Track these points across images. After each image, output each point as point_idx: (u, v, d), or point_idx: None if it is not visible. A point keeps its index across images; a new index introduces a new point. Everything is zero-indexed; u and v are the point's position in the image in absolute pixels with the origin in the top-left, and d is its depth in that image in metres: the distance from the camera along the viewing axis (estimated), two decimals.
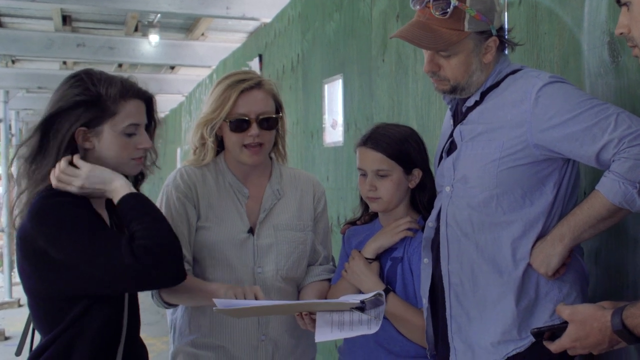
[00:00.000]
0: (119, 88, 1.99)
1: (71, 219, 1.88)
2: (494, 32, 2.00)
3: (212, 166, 2.41)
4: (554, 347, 1.74)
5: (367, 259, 2.31)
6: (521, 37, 2.45)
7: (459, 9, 1.94)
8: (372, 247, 2.32)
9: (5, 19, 8.53)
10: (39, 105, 13.48)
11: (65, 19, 8.48)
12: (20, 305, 10.58)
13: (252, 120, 2.30)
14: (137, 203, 1.92)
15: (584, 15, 2.23)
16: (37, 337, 2.01)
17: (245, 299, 2.07)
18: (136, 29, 8.86)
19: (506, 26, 2.14)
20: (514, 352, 1.95)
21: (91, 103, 1.95)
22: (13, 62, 11.14)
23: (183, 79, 12.01)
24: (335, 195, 4.47)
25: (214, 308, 1.96)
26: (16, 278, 10.00)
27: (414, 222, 2.31)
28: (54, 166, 1.94)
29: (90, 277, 1.84)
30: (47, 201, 1.89)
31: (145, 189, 2.22)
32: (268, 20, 6.59)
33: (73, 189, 1.93)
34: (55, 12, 7.92)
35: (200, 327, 2.35)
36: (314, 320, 2.08)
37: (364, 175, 2.33)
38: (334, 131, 4.64)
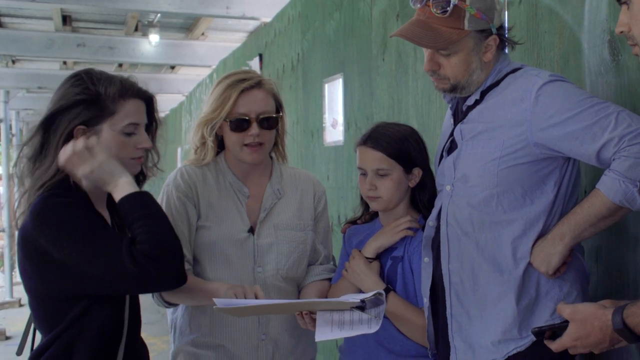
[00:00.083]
0: (118, 87, 1.99)
1: (72, 220, 1.88)
2: (494, 30, 2.00)
3: (213, 166, 2.41)
4: (555, 346, 1.74)
5: (367, 258, 2.31)
6: (521, 35, 2.45)
7: (459, 8, 1.94)
8: (372, 247, 2.32)
9: (5, 19, 8.54)
10: (39, 105, 13.49)
11: (66, 19, 8.48)
12: (21, 305, 10.58)
13: (252, 120, 2.30)
14: (138, 203, 1.91)
15: (584, 14, 2.23)
16: (38, 337, 2.01)
17: (245, 298, 2.07)
18: (136, 29, 8.86)
19: (506, 25, 2.14)
20: (515, 351, 1.95)
21: (90, 102, 1.95)
22: (13, 62, 11.14)
23: (183, 78, 12.01)
24: (335, 195, 4.47)
25: (214, 307, 1.96)
26: (17, 278, 10.04)
27: (414, 221, 2.31)
28: (53, 165, 1.94)
29: (91, 278, 1.84)
30: (48, 201, 1.89)
31: (146, 188, 2.22)
32: (268, 19, 6.59)
33: (79, 173, 1.92)
34: (55, 12, 7.93)
35: (200, 327, 2.35)
36: (314, 320, 2.08)
37: (364, 174, 2.33)
38: (334, 130, 4.64)
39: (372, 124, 2.43)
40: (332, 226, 2.60)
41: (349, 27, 4.34)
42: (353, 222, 2.53)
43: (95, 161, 1.92)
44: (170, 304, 2.33)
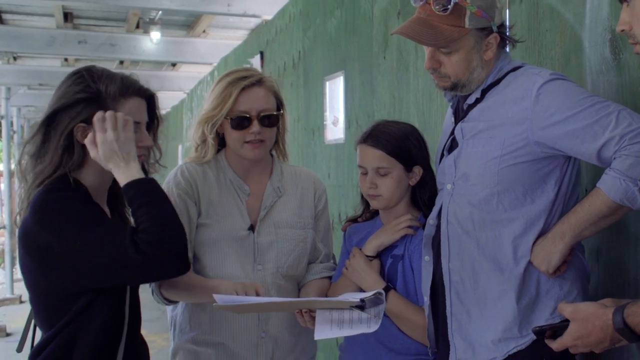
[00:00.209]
0: (118, 86, 1.99)
1: (75, 212, 1.88)
2: (494, 28, 2.00)
3: (213, 163, 2.41)
4: (556, 345, 1.74)
5: (367, 256, 2.31)
6: (522, 34, 2.45)
7: (460, 6, 1.94)
8: (372, 245, 2.32)
9: (6, 16, 8.54)
10: (41, 102, 13.48)
11: (67, 16, 8.48)
12: (21, 302, 10.59)
13: (253, 118, 2.30)
14: (141, 190, 1.90)
15: (586, 13, 2.23)
16: (39, 334, 2.01)
17: (246, 295, 2.07)
18: (137, 26, 8.85)
19: (507, 23, 2.14)
20: (515, 350, 1.95)
21: (91, 100, 1.95)
22: (15, 59, 11.13)
23: (184, 76, 12.01)
24: (336, 193, 4.47)
25: (213, 304, 1.96)
26: (17, 274, 10.06)
27: (415, 219, 2.31)
28: (53, 162, 1.94)
29: (94, 269, 1.84)
30: (48, 195, 1.89)
31: None
32: (269, 17, 6.58)
33: (101, 137, 1.90)
34: (56, 9, 7.93)
35: (200, 324, 2.35)
36: (313, 318, 2.08)
37: (365, 172, 2.33)
38: (335, 128, 4.64)
39: (373, 122, 2.43)
40: (332, 224, 2.60)
41: (350, 25, 4.34)
42: (354, 220, 2.53)
43: (123, 134, 1.92)
44: (170, 302, 2.33)
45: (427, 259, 2.15)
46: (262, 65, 6.59)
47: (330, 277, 2.47)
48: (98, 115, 1.91)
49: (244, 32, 8.60)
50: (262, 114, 2.31)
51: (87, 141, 1.93)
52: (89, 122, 1.94)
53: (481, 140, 1.99)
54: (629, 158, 1.74)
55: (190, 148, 2.48)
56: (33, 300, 1.97)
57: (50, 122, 1.95)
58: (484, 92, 2.03)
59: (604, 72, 2.15)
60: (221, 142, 2.43)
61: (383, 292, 2.01)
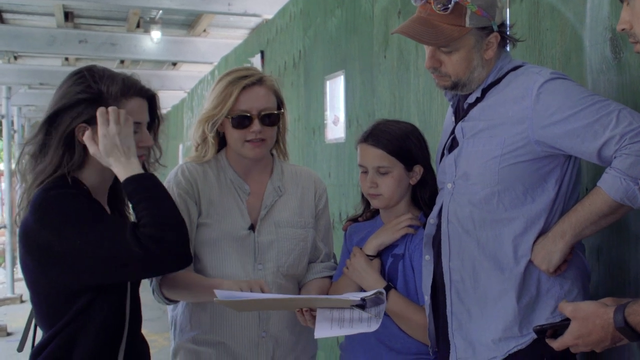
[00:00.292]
0: (120, 86, 1.99)
1: (75, 210, 1.88)
2: (495, 28, 1.99)
3: (214, 163, 2.41)
4: (557, 344, 1.74)
5: (368, 255, 2.31)
6: (523, 33, 2.45)
7: (460, 5, 1.93)
8: (373, 244, 2.32)
9: (7, 15, 8.54)
10: (41, 102, 13.49)
11: (67, 15, 8.47)
12: (22, 301, 10.59)
13: (253, 117, 2.30)
14: (141, 185, 1.91)
15: (586, 12, 2.23)
16: (39, 333, 2.01)
17: (251, 292, 2.07)
18: (138, 25, 8.85)
19: (508, 22, 2.14)
20: (515, 349, 1.95)
21: (92, 101, 1.95)
22: (15, 58, 11.13)
23: (185, 75, 12.01)
24: (337, 192, 4.47)
25: (214, 299, 1.96)
26: (18, 274, 10.06)
27: (415, 219, 2.31)
28: (53, 161, 1.94)
29: (96, 266, 1.84)
30: (48, 194, 1.89)
31: None
32: (270, 16, 6.58)
33: (103, 130, 1.91)
34: (57, 8, 7.92)
35: (200, 324, 2.35)
36: (314, 317, 2.08)
37: (365, 172, 2.33)
38: (336, 127, 4.64)
39: (374, 121, 2.43)
40: (333, 223, 2.60)
41: (351, 24, 4.34)
42: (354, 219, 2.53)
43: (125, 129, 1.92)
44: (170, 301, 2.33)
45: (428, 258, 2.15)
46: (262, 65, 6.59)
47: (331, 277, 2.47)
48: (101, 109, 1.91)
49: (245, 31, 8.59)
50: (262, 113, 2.31)
51: (86, 138, 1.93)
52: (90, 122, 1.95)
53: (481, 139, 1.99)
54: (630, 157, 1.74)
55: (191, 147, 2.48)
56: (33, 299, 1.98)
57: (51, 122, 1.95)
58: (485, 92, 2.03)
59: (604, 71, 2.15)
60: (221, 142, 2.43)
61: (384, 291, 2.01)
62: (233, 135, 2.33)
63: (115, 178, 1.99)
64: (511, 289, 1.95)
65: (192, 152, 2.45)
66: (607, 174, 1.79)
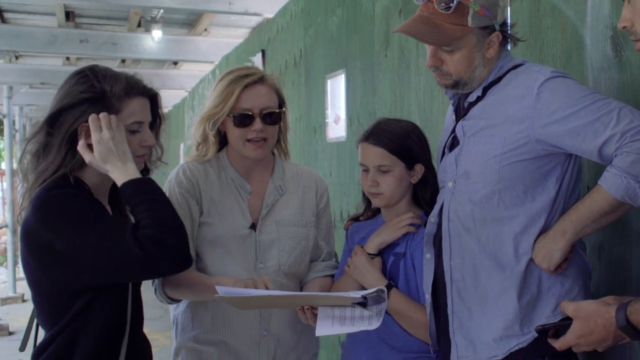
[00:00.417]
0: (123, 85, 1.99)
1: (76, 210, 1.88)
2: (497, 27, 1.99)
3: (215, 162, 2.42)
4: (559, 344, 1.74)
5: (369, 254, 2.31)
6: (524, 31, 2.45)
7: (463, 4, 1.93)
8: (374, 243, 2.32)
9: (8, 15, 8.54)
10: (43, 101, 13.50)
11: (69, 15, 8.48)
12: (24, 301, 10.60)
13: (255, 115, 2.30)
14: (140, 189, 1.91)
15: (587, 10, 2.23)
16: (41, 333, 2.01)
17: (256, 289, 2.07)
18: (139, 25, 8.86)
19: (509, 21, 2.13)
20: (516, 348, 1.95)
21: (96, 100, 1.95)
22: (16, 57, 11.14)
23: (186, 74, 12.01)
24: (338, 191, 4.47)
25: (215, 296, 1.96)
26: (20, 273, 10.05)
27: (416, 217, 2.31)
28: (55, 161, 1.94)
29: (96, 266, 1.84)
30: (49, 193, 1.89)
31: None
32: (271, 15, 6.58)
33: (97, 136, 1.91)
34: (58, 7, 7.93)
35: (202, 323, 2.35)
36: (315, 315, 2.08)
37: (366, 170, 2.33)
38: (337, 126, 4.64)
39: (374, 120, 2.43)
40: (334, 222, 2.60)
41: (352, 23, 4.34)
42: (355, 218, 2.53)
43: (118, 134, 1.93)
44: (173, 300, 2.33)
45: (429, 256, 2.16)
46: (263, 64, 6.59)
47: (332, 276, 2.47)
48: (93, 116, 1.92)
49: (246, 30, 8.59)
50: (264, 112, 2.31)
51: (80, 147, 1.93)
52: None
53: (482, 138, 1.99)
54: (630, 155, 1.74)
55: (192, 146, 2.48)
56: (35, 298, 1.98)
57: (53, 121, 1.95)
58: (485, 90, 2.03)
59: (605, 69, 2.15)
60: (222, 141, 2.43)
61: (385, 289, 2.01)
62: (234, 134, 2.33)
63: None
64: (512, 287, 1.95)
65: (193, 151, 2.45)
66: (608, 172, 1.79)
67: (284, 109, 2.40)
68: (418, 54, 3.39)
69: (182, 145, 12.53)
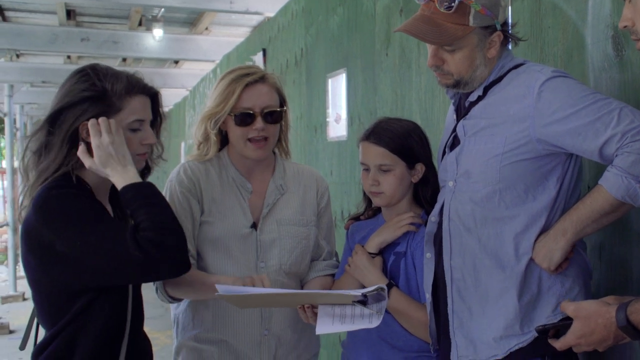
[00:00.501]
0: (124, 84, 1.99)
1: (76, 211, 1.88)
2: (498, 27, 1.99)
3: (216, 161, 2.42)
4: (559, 344, 1.74)
5: (370, 253, 2.32)
6: (525, 31, 2.45)
7: (464, 4, 1.93)
8: (375, 242, 2.32)
9: (9, 13, 8.54)
10: (44, 99, 13.50)
11: (70, 13, 8.48)
12: (24, 299, 10.61)
13: (256, 114, 2.30)
14: (140, 193, 1.92)
15: (588, 9, 2.22)
16: (42, 331, 2.01)
17: (254, 287, 2.07)
18: (140, 24, 8.86)
19: (510, 21, 2.13)
20: (517, 347, 1.95)
21: (97, 98, 1.95)
22: (17, 56, 11.14)
23: (187, 73, 12.01)
24: (339, 190, 4.47)
25: (215, 294, 1.96)
26: (21, 272, 10.06)
27: (417, 216, 2.31)
28: (57, 159, 1.94)
29: (96, 267, 1.85)
30: (50, 192, 1.89)
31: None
32: (272, 14, 6.58)
33: (96, 141, 1.92)
34: (59, 6, 7.93)
35: (203, 322, 2.36)
36: (315, 314, 2.08)
37: (367, 170, 2.33)
38: (338, 125, 4.64)
39: (375, 119, 2.43)
40: (335, 222, 2.60)
41: (353, 22, 4.34)
42: (356, 218, 2.53)
43: (117, 138, 1.93)
44: (174, 299, 2.33)
45: (429, 256, 2.16)
46: (264, 63, 6.59)
47: (333, 275, 2.47)
48: (92, 121, 1.93)
49: (247, 29, 8.59)
50: (265, 111, 2.31)
51: (80, 153, 1.94)
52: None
53: (483, 137, 1.99)
54: (631, 155, 1.74)
55: (193, 145, 2.48)
56: (35, 297, 1.98)
57: (54, 120, 1.96)
58: (486, 90, 2.03)
59: (606, 68, 2.15)
60: (223, 140, 2.43)
61: (385, 287, 2.01)
62: (236, 133, 2.33)
63: None
64: (512, 287, 1.95)
65: (194, 150, 2.45)
66: (609, 172, 1.79)
67: (285, 108, 2.40)
68: (419, 53, 3.39)
69: (183, 144, 12.52)
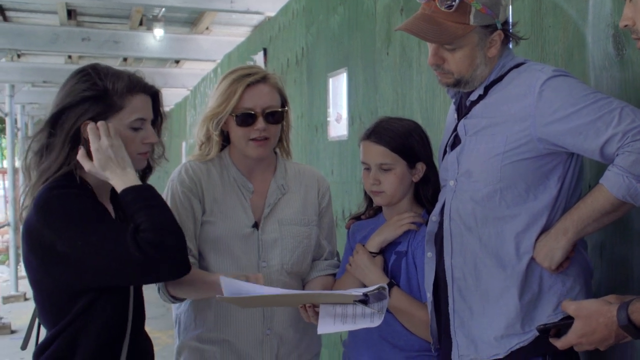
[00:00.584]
0: (125, 83, 1.99)
1: (78, 211, 1.89)
2: (499, 26, 1.99)
3: (217, 161, 2.42)
4: (560, 344, 1.74)
5: (371, 252, 2.32)
6: (525, 30, 2.45)
7: (465, 3, 1.93)
8: (376, 241, 2.32)
9: (10, 13, 8.55)
10: (45, 99, 13.51)
11: (70, 13, 8.48)
12: (26, 299, 10.62)
13: (258, 114, 2.30)
14: (140, 195, 1.92)
15: (589, 8, 2.22)
16: (43, 331, 2.02)
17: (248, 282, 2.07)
18: (141, 23, 8.86)
19: (510, 20, 2.13)
20: (518, 346, 1.95)
21: (98, 98, 1.96)
22: (18, 56, 11.16)
23: (188, 73, 12.01)
24: (340, 189, 4.47)
25: (217, 296, 1.96)
26: (22, 272, 10.07)
27: (418, 216, 2.32)
28: (58, 159, 1.95)
29: (96, 268, 1.85)
30: (52, 193, 1.90)
31: (151, 182, 2.23)
32: (272, 14, 6.58)
33: (95, 144, 1.92)
34: (60, 6, 7.93)
35: (205, 322, 2.36)
36: (317, 314, 2.08)
37: (368, 169, 2.33)
38: (339, 125, 4.64)
39: (376, 118, 2.43)
40: (336, 221, 2.60)
41: (353, 21, 4.34)
42: (357, 217, 2.53)
43: (116, 141, 1.93)
44: (176, 299, 2.33)
45: (430, 255, 2.16)
46: (265, 62, 6.59)
47: (334, 274, 2.48)
48: (91, 125, 1.93)
49: (247, 28, 8.59)
50: (267, 111, 2.31)
51: (80, 156, 1.94)
52: (96, 119, 1.95)
53: (484, 137, 1.99)
54: (632, 155, 1.74)
55: (194, 145, 2.48)
56: (37, 297, 1.98)
57: (56, 120, 1.96)
58: (487, 89, 2.03)
59: (607, 67, 2.15)
60: (225, 140, 2.43)
61: (386, 286, 2.01)
62: (237, 133, 2.33)
63: None
64: (513, 286, 1.95)
65: (196, 150, 2.45)
66: (610, 172, 1.79)
67: (286, 108, 2.40)
68: (420, 52, 3.39)
69: (184, 144, 12.53)
